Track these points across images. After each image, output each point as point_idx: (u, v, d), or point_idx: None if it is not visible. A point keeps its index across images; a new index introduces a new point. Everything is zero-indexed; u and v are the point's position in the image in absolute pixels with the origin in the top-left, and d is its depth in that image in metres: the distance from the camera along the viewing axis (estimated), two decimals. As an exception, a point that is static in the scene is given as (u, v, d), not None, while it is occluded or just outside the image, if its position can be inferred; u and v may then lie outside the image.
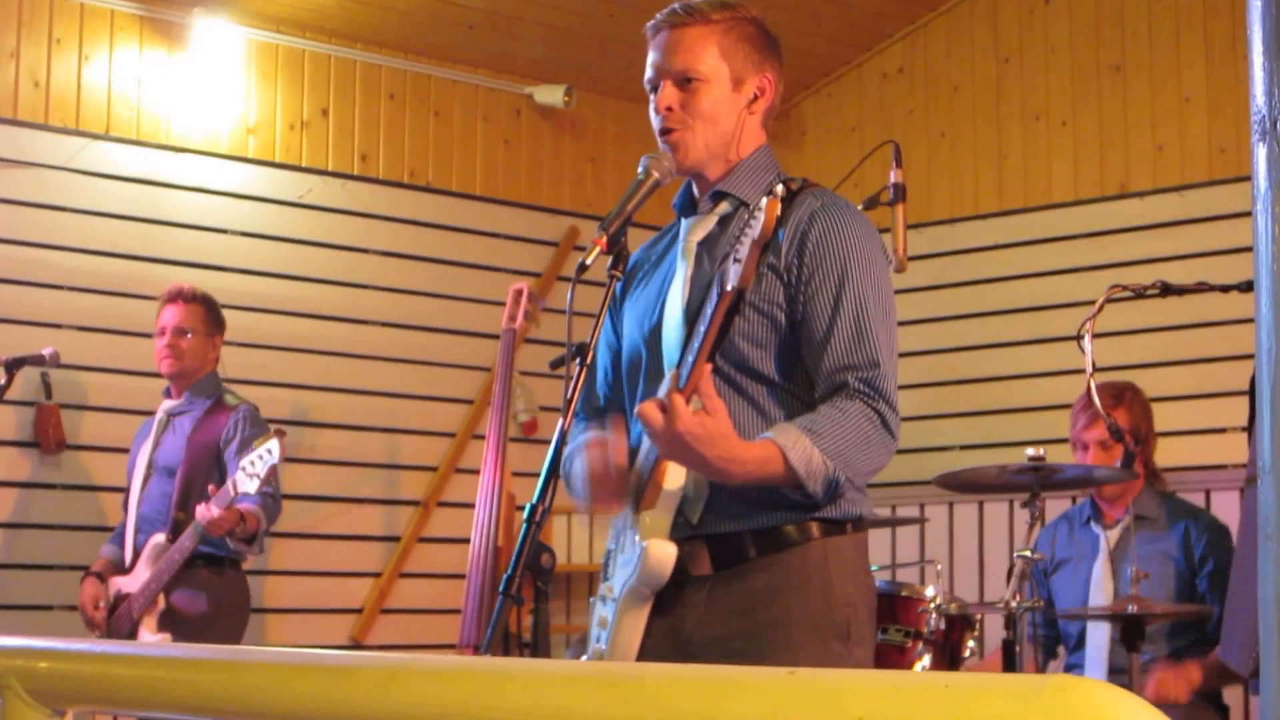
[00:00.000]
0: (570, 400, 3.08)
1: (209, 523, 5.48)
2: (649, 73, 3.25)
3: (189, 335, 5.98)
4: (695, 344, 2.95)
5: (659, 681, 1.46)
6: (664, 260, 3.33)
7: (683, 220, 3.32)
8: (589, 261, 3.04)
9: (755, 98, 3.25)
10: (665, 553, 3.07)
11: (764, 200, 2.94)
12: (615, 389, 3.38)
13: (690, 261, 3.23)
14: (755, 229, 2.92)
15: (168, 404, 6.06)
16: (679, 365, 2.98)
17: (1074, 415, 5.62)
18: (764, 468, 2.95)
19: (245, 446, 5.71)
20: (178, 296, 6.02)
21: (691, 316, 3.09)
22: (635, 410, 3.00)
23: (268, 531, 5.79)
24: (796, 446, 2.94)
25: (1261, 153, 1.73)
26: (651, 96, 3.24)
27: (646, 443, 3.10)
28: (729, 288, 2.91)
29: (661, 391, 2.97)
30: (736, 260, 2.92)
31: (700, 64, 3.19)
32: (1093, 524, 5.64)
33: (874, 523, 3.25)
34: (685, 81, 3.19)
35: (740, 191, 3.22)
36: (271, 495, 5.70)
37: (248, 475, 5.45)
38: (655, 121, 3.23)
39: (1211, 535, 5.47)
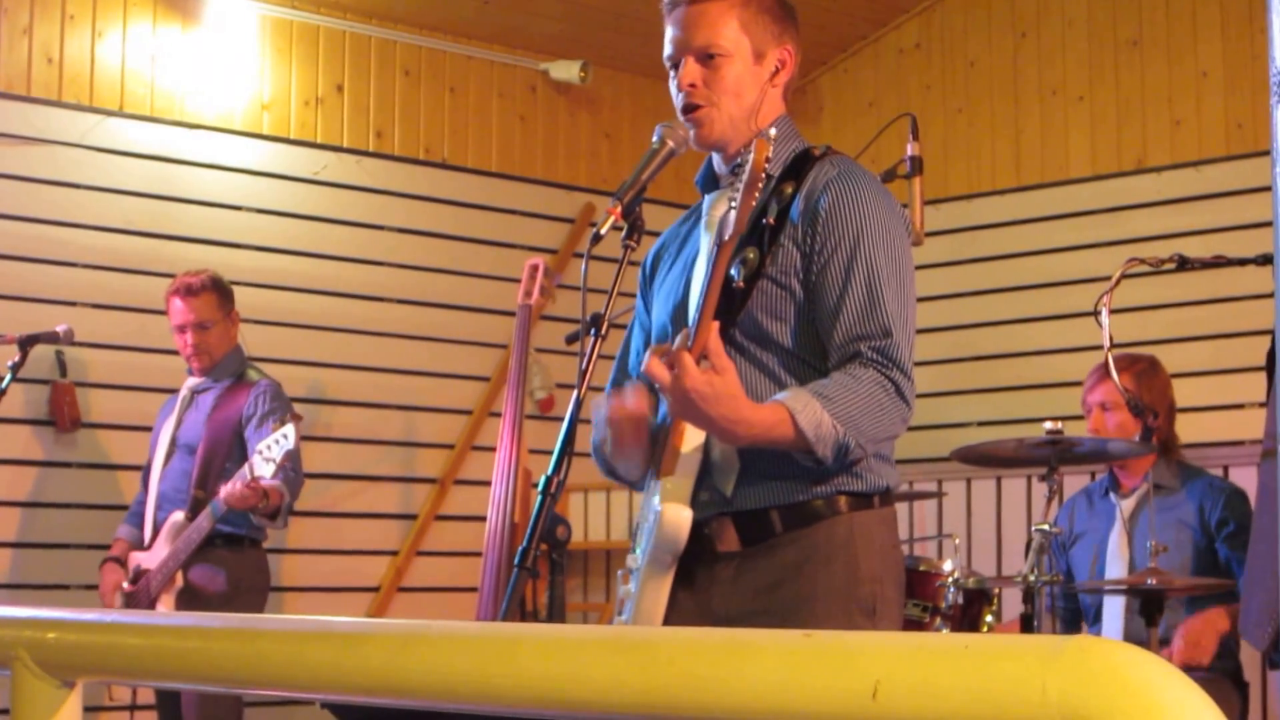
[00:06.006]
0: (585, 373, 3.06)
1: (232, 496, 5.47)
2: (668, 49, 3.22)
3: (211, 328, 5.91)
4: (701, 301, 2.94)
5: (674, 645, 1.44)
6: (690, 238, 3.32)
7: (706, 196, 3.31)
8: (603, 231, 3.03)
9: (777, 70, 3.24)
10: (680, 517, 3.04)
11: (754, 143, 2.94)
12: None
13: (713, 236, 3.20)
14: (745, 171, 2.92)
15: (192, 380, 6.02)
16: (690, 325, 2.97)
17: (1087, 376, 5.65)
18: (772, 431, 2.92)
19: (264, 424, 5.69)
20: (187, 291, 5.89)
21: None
22: (643, 367, 2.96)
23: (292, 505, 5.76)
24: (806, 410, 2.91)
25: (1280, 114, 1.72)
26: (672, 73, 3.23)
27: (664, 409, 3.08)
28: (726, 237, 2.92)
29: (674, 348, 2.95)
30: (732, 206, 2.92)
31: (722, 39, 3.16)
32: (1111, 495, 5.63)
33: (895, 496, 3.21)
34: (707, 57, 3.17)
35: None
36: (294, 470, 5.68)
37: (264, 459, 5.42)
38: (677, 98, 3.21)
39: (1228, 497, 5.45)
